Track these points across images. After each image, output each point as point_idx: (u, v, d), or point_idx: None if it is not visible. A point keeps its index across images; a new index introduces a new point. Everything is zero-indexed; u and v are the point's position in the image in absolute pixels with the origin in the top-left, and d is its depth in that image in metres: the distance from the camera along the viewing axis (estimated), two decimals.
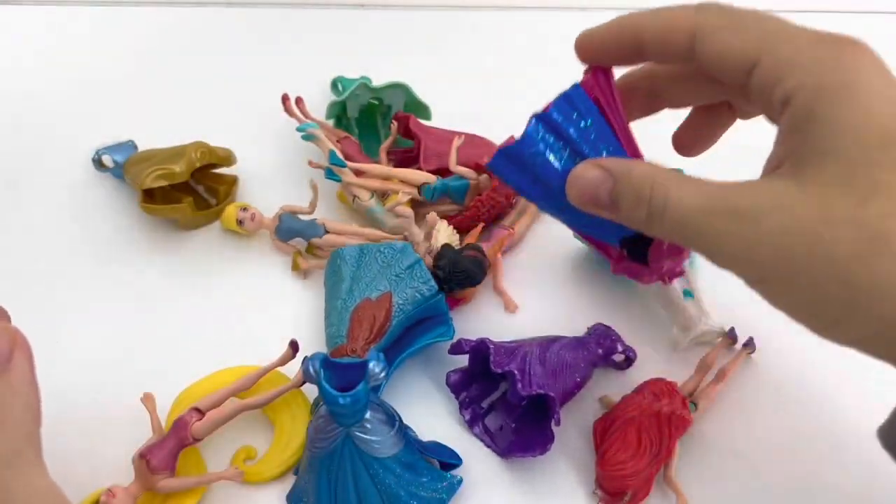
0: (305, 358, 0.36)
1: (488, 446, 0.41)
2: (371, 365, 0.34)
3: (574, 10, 0.70)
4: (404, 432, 0.37)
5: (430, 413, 0.43)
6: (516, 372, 0.39)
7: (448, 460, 0.39)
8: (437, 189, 0.49)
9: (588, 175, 0.29)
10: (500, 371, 0.39)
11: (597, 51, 0.31)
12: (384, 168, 0.50)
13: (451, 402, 0.43)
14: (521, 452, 0.39)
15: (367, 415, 0.35)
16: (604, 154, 0.30)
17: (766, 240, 0.25)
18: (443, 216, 0.49)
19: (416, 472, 0.37)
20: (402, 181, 0.49)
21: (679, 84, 0.32)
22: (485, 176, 0.49)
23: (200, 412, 0.38)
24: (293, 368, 0.41)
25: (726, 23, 0.28)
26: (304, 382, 0.39)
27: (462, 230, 0.49)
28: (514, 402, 0.39)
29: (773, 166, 0.27)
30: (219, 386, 0.40)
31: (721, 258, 0.27)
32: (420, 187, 0.49)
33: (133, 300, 0.47)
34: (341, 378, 0.35)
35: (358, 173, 0.49)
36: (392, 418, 0.37)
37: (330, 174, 0.48)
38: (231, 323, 0.46)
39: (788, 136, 0.27)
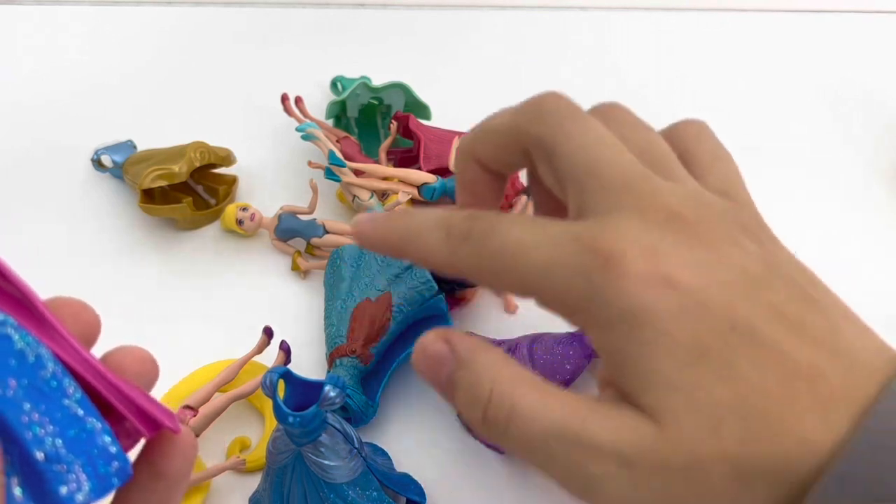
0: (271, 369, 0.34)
1: (488, 446, 0.41)
2: (326, 389, 0.31)
3: (574, 10, 0.70)
4: (364, 460, 0.36)
5: (428, 413, 0.42)
6: None
7: (411, 496, 0.38)
8: (436, 189, 0.49)
9: (431, 348, 0.25)
10: None
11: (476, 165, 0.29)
12: (384, 168, 0.50)
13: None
14: None
15: (323, 438, 0.34)
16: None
17: (645, 480, 0.23)
18: None
19: (370, 502, 0.35)
20: (402, 181, 0.49)
21: None
22: None
23: (193, 409, 0.38)
24: (272, 356, 0.41)
25: (479, 258, 0.25)
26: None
27: None
28: None
29: (606, 382, 0.25)
30: (202, 382, 0.40)
31: (601, 498, 0.24)
32: (420, 187, 0.49)
33: (132, 300, 0.47)
34: (302, 395, 0.32)
35: (358, 173, 0.49)
36: (350, 445, 0.35)
37: (329, 174, 0.48)
38: (230, 323, 0.46)
39: (609, 369, 0.24)
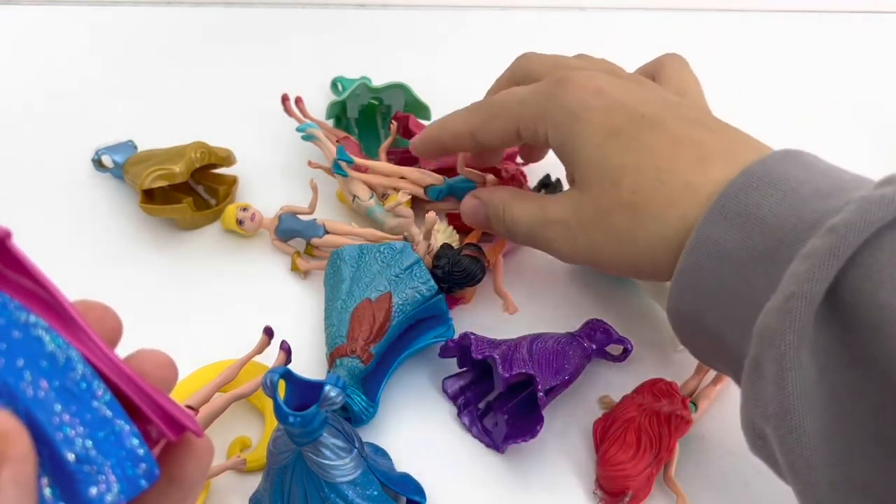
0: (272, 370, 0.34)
1: (488, 445, 0.41)
2: (326, 389, 0.31)
3: (573, 10, 0.70)
4: (364, 460, 0.36)
5: (428, 413, 0.43)
6: (497, 356, 0.39)
7: (411, 496, 0.38)
8: (443, 190, 0.49)
9: (468, 204, 0.42)
10: (480, 357, 0.39)
11: (424, 155, 0.45)
12: (393, 166, 0.49)
13: (450, 401, 0.43)
14: (512, 440, 0.39)
15: (323, 438, 0.33)
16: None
17: (577, 235, 0.35)
18: (444, 213, 0.49)
19: (370, 501, 0.35)
20: (411, 181, 0.49)
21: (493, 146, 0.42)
22: (492, 177, 0.49)
23: (194, 409, 0.38)
24: (272, 356, 0.42)
25: (486, 118, 0.39)
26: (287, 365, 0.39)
27: (463, 230, 0.49)
28: (500, 389, 0.39)
29: (571, 180, 0.37)
30: (202, 383, 0.40)
31: (558, 255, 0.37)
32: (426, 188, 0.49)
33: (132, 301, 0.47)
34: (302, 395, 0.32)
35: (362, 170, 0.49)
36: (350, 445, 0.35)
37: (337, 168, 0.48)
38: (231, 323, 0.46)
39: (562, 161, 0.36)
